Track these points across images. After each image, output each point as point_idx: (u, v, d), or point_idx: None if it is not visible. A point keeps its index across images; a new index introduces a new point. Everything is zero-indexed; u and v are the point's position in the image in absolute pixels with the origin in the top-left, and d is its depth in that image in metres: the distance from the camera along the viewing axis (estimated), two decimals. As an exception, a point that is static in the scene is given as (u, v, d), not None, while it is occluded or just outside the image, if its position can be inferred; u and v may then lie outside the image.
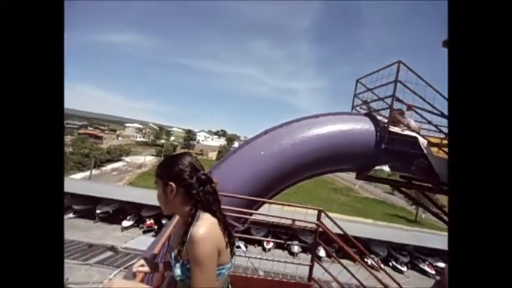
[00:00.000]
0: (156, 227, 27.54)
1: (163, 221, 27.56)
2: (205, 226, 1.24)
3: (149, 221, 27.76)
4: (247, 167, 4.32)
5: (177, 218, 2.68)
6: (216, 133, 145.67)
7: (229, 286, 1.48)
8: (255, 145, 4.57)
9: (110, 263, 16.02)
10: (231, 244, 1.35)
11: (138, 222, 28.48)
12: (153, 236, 25.08)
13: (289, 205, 4.16)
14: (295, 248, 26.37)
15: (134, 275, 1.39)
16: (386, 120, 4.82)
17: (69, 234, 21.37)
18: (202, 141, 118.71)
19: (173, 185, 1.37)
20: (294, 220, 3.87)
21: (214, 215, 1.32)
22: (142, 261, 1.48)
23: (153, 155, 78.34)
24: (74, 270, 14.72)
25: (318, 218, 3.77)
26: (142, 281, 1.38)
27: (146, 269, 1.46)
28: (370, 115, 5.18)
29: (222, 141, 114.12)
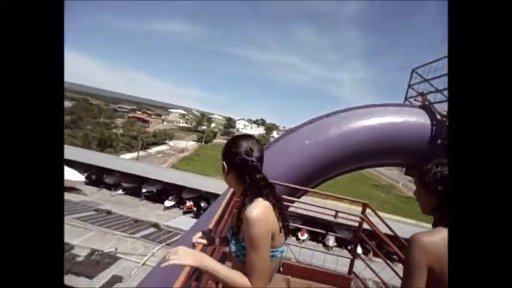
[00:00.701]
0: (195, 209, 28.90)
1: (202, 204, 28.85)
2: (258, 208, 1.26)
3: (189, 203, 29.19)
4: (291, 155, 4.29)
5: (229, 194, 2.77)
6: (255, 122, 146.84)
7: (281, 269, 1.50)
8: (300, 134, 4.50)
9: (153, 239, 17.22)
10: (285, 228, 1.36)
11: (179, 203, 30.10)
12: (192, 217, 26.39)
13: (334, 196, 4.04)
14: (330, 242, 25.99)
15: (194, 246, 1.46)
16: (444, 114, 4.44)
17: (118, 209, 23.32)
18: (242, 129, 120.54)
19: (225, 165, 1.41)
20: (337, 212, 3.77)
21: (267, 199, 1.33)
22: (200, 234, 1.54)
23: (194, 141, 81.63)
24: (121, 242, 16.10)
25: (363, 212, 3.64)
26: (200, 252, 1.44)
27: (204, 241, 1.53)
28: (426, 108, 4.81)
29: (261, 130, 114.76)
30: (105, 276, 13.16)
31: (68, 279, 12.14)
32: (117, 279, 13.10)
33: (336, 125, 4.37)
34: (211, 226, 1.63)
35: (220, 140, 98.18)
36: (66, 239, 14.60)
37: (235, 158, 1.39)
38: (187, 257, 1.19)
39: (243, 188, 1.38)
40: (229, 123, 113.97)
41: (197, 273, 1.36)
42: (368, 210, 3.68)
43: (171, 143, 71.50)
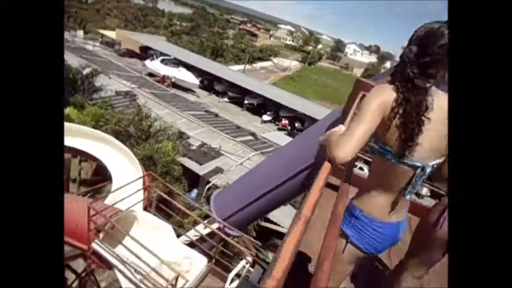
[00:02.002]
0: (289, 127, 30.05)
1: (297, 124, 29.67)
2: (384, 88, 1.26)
3: (284, 121, 30.38)
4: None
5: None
6: (367, 48, 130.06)
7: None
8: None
9: (250, 145, 19.21)
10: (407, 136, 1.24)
11: (275, 119, 31.64)
12: (285, 134, 27.76)
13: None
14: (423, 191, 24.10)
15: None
16: None
17: (224, 114, 26.14)
18: (351, 54, 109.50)
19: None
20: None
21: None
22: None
23: (298, 61, 79.25)
24: (224, 142, 18.57)
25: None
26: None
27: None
28: None
29: (373, 59, 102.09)
30: (210, 165, 15.82)
31: (184, 160, 15.12)
32: (219, 170, 15.62)
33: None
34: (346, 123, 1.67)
35: (325, 64, 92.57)
36: (185, 130, 17.64)
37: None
38: None
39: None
40: (338, 46, 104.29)
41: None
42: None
43: (275, 60, 71.34)
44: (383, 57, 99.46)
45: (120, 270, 4.30)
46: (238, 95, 33.54)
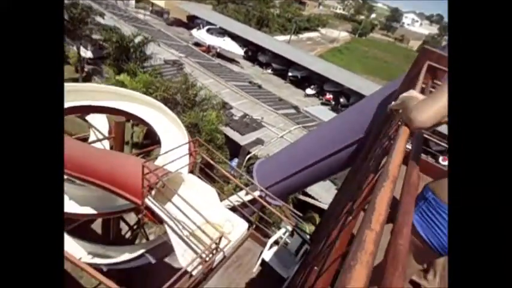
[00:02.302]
0: (333, 102, 28.92)
1: (341, 100, 28.40)
2: None
3: (329, 96, 29.23)
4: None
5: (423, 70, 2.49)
6: (428, 17, 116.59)
7: None
8: None
9: (292, 118, 18.96)
10: None
11: (319, 93, 30.55)
12: (329, 109, 26.84)
13: None
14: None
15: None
16: None
17: (267, 86, 25.86)
18: (408, 25, 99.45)
19: None
20: None
21: None
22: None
23: (347, 31, 74.17)
24: (266, 114, 18.53)
25: None
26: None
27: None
28: None
29: (433, 30, 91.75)
30: (251, 136, 16.02)
31: (226, 130, 15.46)
32: (259, 141, 15.77)
33: None
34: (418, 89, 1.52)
35: (377, 35, 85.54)
36: (228, 101, 17.88)
37: None
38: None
39: None
40: (394, 15, 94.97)
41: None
42: None
43: (323, 30, 67.53)
44: (446, 29, 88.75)
45: (169, 226, 4.67)
46: (282, 66, 32.73)
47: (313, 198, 13.17)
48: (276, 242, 5.19)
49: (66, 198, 7.71)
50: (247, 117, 17.36)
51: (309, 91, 30.47)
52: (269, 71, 33.67)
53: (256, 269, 4.91)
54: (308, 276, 3.34)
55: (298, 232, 4.92)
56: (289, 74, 32.19)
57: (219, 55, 31.05)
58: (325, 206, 12.82)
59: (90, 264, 8.27)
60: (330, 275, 1.42)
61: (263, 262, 4.90)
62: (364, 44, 68.54)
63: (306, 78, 31.75)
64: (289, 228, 5.21)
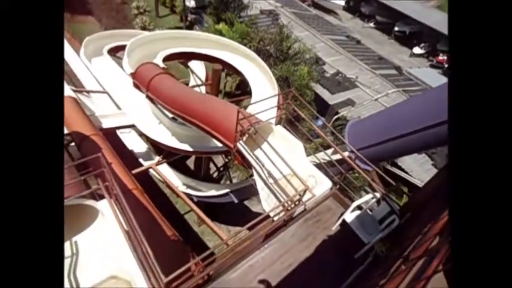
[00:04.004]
0: (446, 66, 24.40)
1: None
2: None
3: (442, 57, 24.70)
4: None
5: None
6: None
7: None
8: None
9: (391, 80, 16.86)
10: None
11: (430, 53, 26.06)
12: (439, 73, 22.84)
13: None
14: None
15: None
16: None
17: (366, 42, 23.26)
18: None
19: None
20: None
21: None
22: None
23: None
24: (362, 73, 16.90)
25: None
26: None
27: None
28: None
29: None
30: (342, 96, 15.05)
31: (316, 86, 14.82)
32: (350, 102, 14.73)
33: None
34: None
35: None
36: (321, 56, 16.84)
37: None
38: None
39: None
40: None
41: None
42: None
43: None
44: None
45: (256, 171, 4.90)
46: (388, 20, 28.52)
47: (403, 170, 12.03)
48: (359, 207, 4.97)
49: (169, 134, 8.85)
50: (340, 75, 16.18)
51: (417, 50, 26.24)
52: (371, 24, 29.89)
53: (335, 227, 4.87)
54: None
55: (388, 201, 4.56)
56: (396, 28, 28.00)
57: (317, 5, 28.81)
58: (416, 181, 11.61)
59: (184, 193, 9.64)
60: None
61: (343, 223, 4.80)
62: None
63: (415, 35, 27.23)
64: (377, 195, 4.88)
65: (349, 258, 4.48)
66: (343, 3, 29.88)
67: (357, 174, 8.18)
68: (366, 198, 4.96)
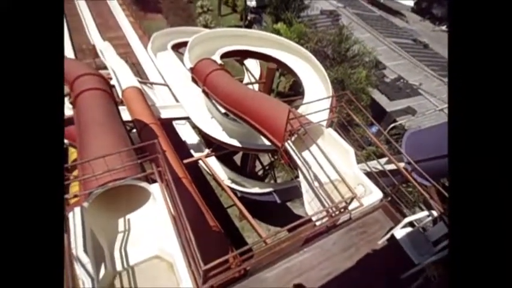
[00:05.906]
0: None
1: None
2: None
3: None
4: None
5: None
6: None
7: None
8: None
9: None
10: None
11: None
12: None
13: None
14: None
15: None
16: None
17: (435, 46, 21.28)
18: None
19: None
20: None
21: None
22: None
23: None
24: (428, 80, 15.54)
25: None
26: None
27: None
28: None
29: None
30: (401, 103, 14.02)
31: (373, 92, 14.02)
32: (410, 110, 13.65)
33: None
34: None
35: None
36: (382, 60, 15.87)
37: None
38: None
39: None
40: None
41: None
42: None
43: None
44: None
45: (302, 173, 4.81)
46: (464, 23, 25.78)
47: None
48: (411, 224, 4.57)
49: (220, 128, 9.15)
50: (402, 80, 15.08)
51: (497, 58, 23.30)
52: (443, 27, 27.26)
53: (382, 242, 4.55)
54: None
55: (446, 223, 4.12)
56: None
57: (382, 6, 27.20)
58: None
59: (229, 187, 9.89)
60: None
61: (391, 238, 4.47)
62: None
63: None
64: (434, 213, 4.43)
65: (395, 276, 4.16)
66: (412, 4, 27.72)
67: (411, 189, 7.55)
68: (420, 215, 4.54)
